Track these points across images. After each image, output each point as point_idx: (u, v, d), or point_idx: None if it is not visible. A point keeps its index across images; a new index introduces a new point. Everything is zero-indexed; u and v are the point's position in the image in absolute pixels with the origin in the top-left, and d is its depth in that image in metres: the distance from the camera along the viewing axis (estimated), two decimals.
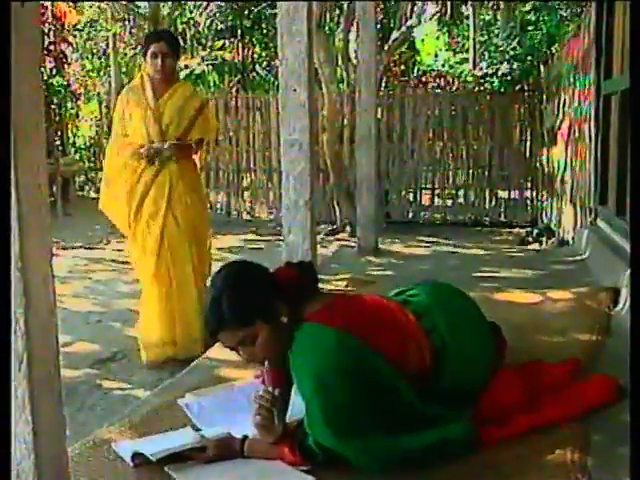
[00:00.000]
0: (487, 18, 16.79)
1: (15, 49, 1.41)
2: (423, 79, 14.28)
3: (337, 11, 10.79)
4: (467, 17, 16.90)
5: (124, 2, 11.78)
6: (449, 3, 14.39)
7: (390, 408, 2.15)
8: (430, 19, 16.67)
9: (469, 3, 14.19)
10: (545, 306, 3.74)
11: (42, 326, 1.52)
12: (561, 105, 7.87)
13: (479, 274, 4.97)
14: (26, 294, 1.46)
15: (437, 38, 19.04)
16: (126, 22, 13.14)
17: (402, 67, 14.39)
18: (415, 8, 10.36)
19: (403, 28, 9.68)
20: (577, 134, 6.67)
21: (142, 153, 4.42)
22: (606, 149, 5.39)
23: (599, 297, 3.78)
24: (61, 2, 12.53)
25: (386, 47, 9.82)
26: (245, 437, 2.21)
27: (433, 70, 14.51)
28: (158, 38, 4.54)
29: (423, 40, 17.58)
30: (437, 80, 13.75)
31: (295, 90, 3.58)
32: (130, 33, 13.75)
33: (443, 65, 14.27)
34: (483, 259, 5.98)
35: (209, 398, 2.55)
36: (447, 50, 17.45)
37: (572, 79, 7.03)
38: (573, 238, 6.63)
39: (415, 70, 14.87)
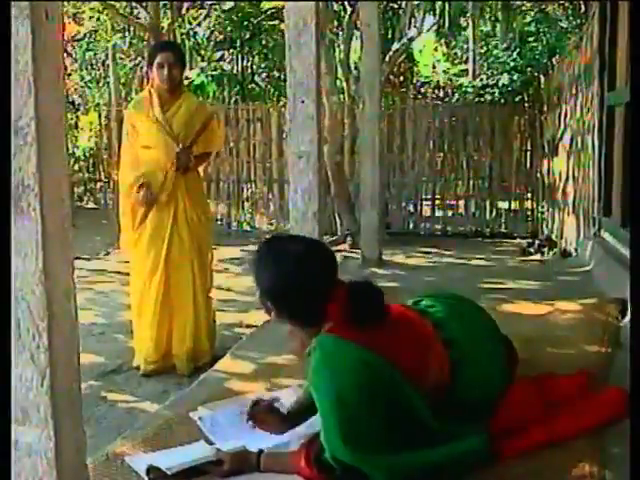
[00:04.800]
0: (486, 29, 16.82)
1: (39, 63, 1.40)
2: (422, 90, 14.30)
3: (335, 22, 10.81)
4: (465, 29, 16.95)
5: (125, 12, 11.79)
6: (447, 14, 14.45)
7: (405, 427, 2.14)
8: (428, 30, 16.76)
9: (468, 14, 14.24)
10: (553, 317, 3.73)
11: (65, 340, 1.50)
12: (562, 116, 7.89)
13: (484, 285, 4.96)
14: (49, 308, 1.45)
15: (435, 49, 19.09)
16: (126, 33, 13.15)
17: (401, 78, 14.42)
18: (414, 19, 10.39)
19: (404, 39, 9.70)
20: (580, 145, 6.68)
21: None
22: (610, 161, 5.40)
23: (607, 309, 3.77)
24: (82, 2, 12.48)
25: (387, 58, 9.83)
26: (261, 451, 2.19)
27: (432, 81, 14.53)
28: (164, 48, 4.55)
29: (421, 51, 17.61)
30: (436, 91, 13.77)
31: (303, 101, 3.58)
32: (130, 44, 13.76)
33: (442, 76, 14.29)
34: (487, 270, 5.98)
35: (222, 411, 2.53)
36: (446, 61, 17.47)
37: (574, 90, 7.05)
38: (576, 249, 6.63)
39: (414, 81, 14.89)
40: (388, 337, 2.20)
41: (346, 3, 9.53)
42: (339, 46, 9.61)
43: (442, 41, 17.90)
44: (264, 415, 2.34)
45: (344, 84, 10.14)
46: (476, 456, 2.13)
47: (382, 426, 2.08)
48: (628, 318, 3.60)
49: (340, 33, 10.44)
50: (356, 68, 10.36)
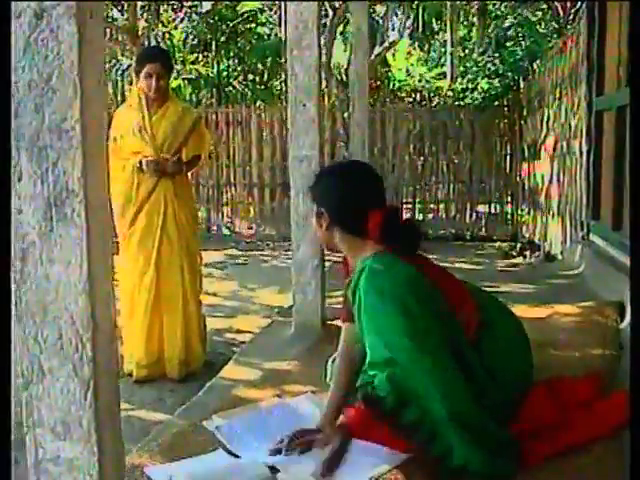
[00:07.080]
0: (462, 34, 16.91)
1: (84, 63, 1.35)
2: (399, 94, 14.35)
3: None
4: (438, 32, 17.05)
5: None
6: (420, 19, 14.53)
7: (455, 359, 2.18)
8: (403, 34, 16.86)
9: (444, 17, 14.35)
10: (553, 321, 3.74)
11: (107, 351, 1.45)
12: (545, 120, 7.93)
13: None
14: (93, 317, 1.39)
15: (409, 53, 19.18)
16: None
17: (377, 82, 14.47)
18: (397, 24, 10.44)
19: (385, 44, 9.73)
20: (565, 149, 6.71)
21: (142, 166, 4.38)
22: (598, 165, 5.42)
23: (606, 311, 3.79)
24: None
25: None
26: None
27: (408, 85, 14.59)
28: (154, 59, 4.47)
29: (394, 55, 17.67)
30: (413, 95, 13.83)
31: (305, 105, 3.54)
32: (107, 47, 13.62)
33: (419, 80, 14.32)
34: (476, 273, 5.98)
35: (238, 420, 2.48)
36: (422, 65, 17.55)
37: (558, 94, 7.09)
38: (561, 252, 6.66)
39: (390, 85, 14.95)
40: (433, 267, 2.35)
41: (328, 6, 9.52)
42: (321, 49, 9.60)
43: (417, 45, 18.02)
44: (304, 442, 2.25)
45: (325, 87, 10.14)
46: (507, 454, 2.11)
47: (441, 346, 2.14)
48: (627, 321, 3.62)
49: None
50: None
